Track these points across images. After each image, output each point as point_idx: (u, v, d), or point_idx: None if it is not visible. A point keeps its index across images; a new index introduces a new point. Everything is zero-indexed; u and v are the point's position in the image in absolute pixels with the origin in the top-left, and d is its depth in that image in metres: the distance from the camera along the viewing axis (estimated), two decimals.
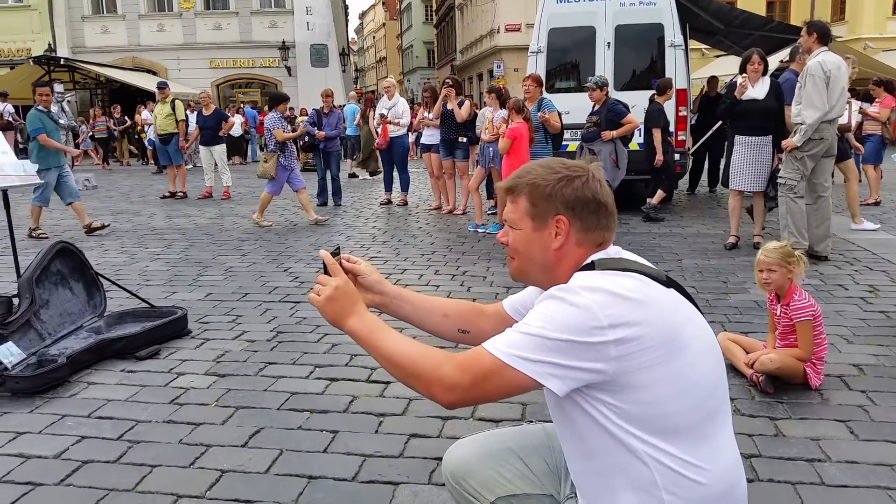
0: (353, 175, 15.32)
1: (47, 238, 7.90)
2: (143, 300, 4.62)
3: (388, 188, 10.79)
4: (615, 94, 8.14)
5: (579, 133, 8.08)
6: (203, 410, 3.24)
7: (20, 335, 3.70)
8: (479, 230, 7.98)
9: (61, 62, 22.66)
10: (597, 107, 7.58)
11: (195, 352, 4.05)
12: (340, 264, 1.63)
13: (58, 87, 14.44)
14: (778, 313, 3.49)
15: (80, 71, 23.68)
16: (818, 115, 5.63)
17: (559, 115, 7.68)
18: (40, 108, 8.23)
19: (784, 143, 5.90)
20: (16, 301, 3.93)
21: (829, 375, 3.46)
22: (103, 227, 8.41)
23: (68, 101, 15.83)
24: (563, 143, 8.66)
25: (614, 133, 7.36)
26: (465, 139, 9.18)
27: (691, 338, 1.37)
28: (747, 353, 3.54)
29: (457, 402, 1.37)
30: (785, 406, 3.16)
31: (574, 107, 8.58)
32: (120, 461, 2.77)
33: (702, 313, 1.48)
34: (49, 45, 25.94)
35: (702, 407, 1.38)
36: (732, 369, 3.47)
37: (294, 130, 9.81)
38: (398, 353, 1.41)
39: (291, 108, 23.13)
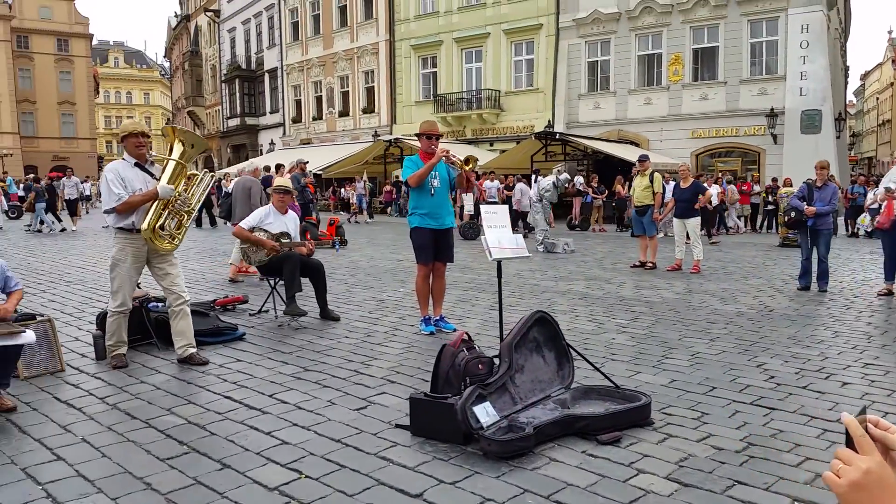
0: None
1: None
2: (609, 378, 4.55)
3: (890, 277, 9.04)
4: None
5: None
6: None
7: (496, 396, 3.94)
8: None
9: (556, 136, 25.41)
10: None
11: (657, 448, 3.77)
12: (867, 432, 1.14)
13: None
14: None
15: (571, 144, 26.16)
16: None
17: None
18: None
19: None
20: (496, 362, 4.22)
21: None
22: None
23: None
24: None
25: None
26: None
27: None
28: None
29: None
30: None
31: None
32: None
33: None
34: (549, 121, 29.37)
35: None
36: None
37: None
38: None
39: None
